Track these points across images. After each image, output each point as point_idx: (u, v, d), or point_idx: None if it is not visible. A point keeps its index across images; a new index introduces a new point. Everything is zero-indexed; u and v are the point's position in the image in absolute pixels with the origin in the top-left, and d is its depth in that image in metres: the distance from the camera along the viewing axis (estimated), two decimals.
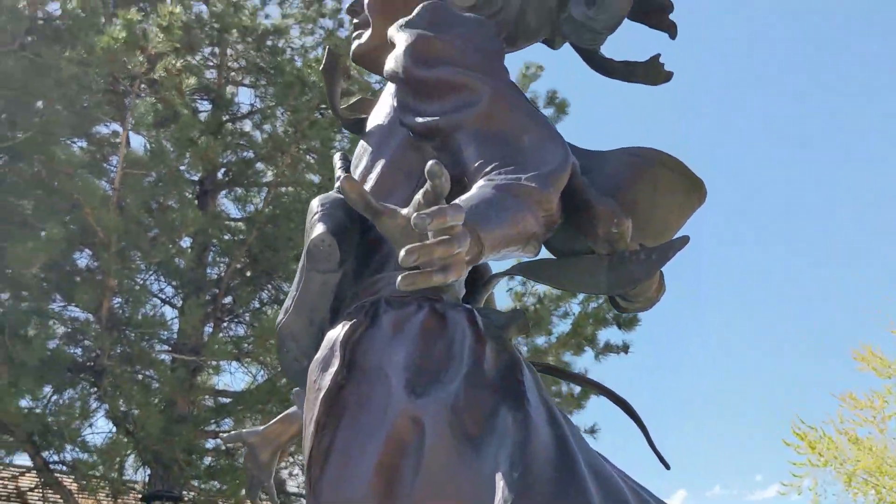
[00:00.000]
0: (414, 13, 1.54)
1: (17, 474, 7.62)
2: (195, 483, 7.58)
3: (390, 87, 1.63)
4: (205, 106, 8.74)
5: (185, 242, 8.05)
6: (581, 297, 8.91)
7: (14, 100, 5.91)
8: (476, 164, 1.38)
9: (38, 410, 6.82)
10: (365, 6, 1.79)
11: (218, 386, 8.22)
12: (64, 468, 7.11)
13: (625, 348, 8.97)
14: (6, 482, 7.73)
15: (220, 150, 7.68)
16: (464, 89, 1.43)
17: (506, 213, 1.28)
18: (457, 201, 1.25)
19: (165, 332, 7.53)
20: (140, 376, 7.30)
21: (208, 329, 7.96)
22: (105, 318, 6.77)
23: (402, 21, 1.53)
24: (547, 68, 9.26)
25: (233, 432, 2.12)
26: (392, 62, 1.51)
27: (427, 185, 1.17)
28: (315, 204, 1.54)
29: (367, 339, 1.42)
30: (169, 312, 8.04)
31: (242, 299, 8.14)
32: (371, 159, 1.62)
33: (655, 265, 1.45)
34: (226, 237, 8.07)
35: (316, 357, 1.47)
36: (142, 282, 7.59)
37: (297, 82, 7.62)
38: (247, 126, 8.76)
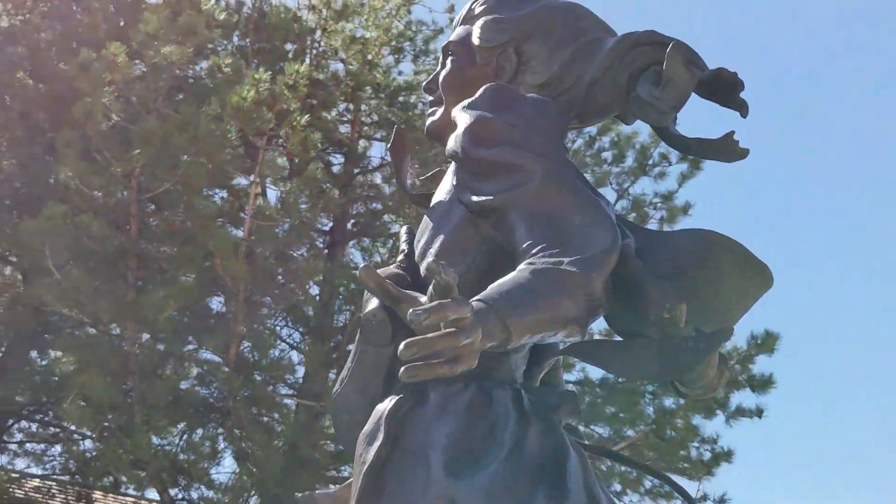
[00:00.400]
0: (477, 94, 1.60)
1: None
2: None
3: (452, 165, 1.69)
4: (338, 159, 9.11)
5: (314, 290, 8.34)
6: None
7: (156, 155, 6.34)
8: (525, 245, 1.40)
9: (168, 448, 7.17)
10: (439, 84, 1.86)
11: None
12: None
13: (758, 412, 8.51)
14: None
15: (348, 201, 7.95)
16: (517, 170, 1.46)
17: (541, 298, 1.30)
18: (494, 285, 1.30)
19: (290, 377, 7.78)
20: (264, 419, 7.55)
21: (332, 375, 8.15)
22: (233, 360, 7.07)
23: (465, 102, 1.60)
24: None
25: (307, 493, 2.17)
26: (452, 142, 1.57)
27: (434, 282, 1.19)
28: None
29: (412, 415, 1.47)
30: (295, 357, 8.32)
31: None
32: (431, 234, 1.66)
33: (701, 354, 1.43)
34: (352, 286, 8.29)
35: (364, 430, 1.52)
36: (271, 327, 7.89)
37: (427, 137, 7.80)
38: (377, 178, 9.03)
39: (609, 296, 1.38)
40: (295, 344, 8.53)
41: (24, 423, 8.25)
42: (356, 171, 8.79)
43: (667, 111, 1.60)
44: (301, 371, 7.99)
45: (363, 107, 9.24)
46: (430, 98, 1.93)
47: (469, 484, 1.33)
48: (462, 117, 1.57)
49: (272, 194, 7.99)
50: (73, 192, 6.29)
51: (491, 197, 1.47)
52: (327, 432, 8.19)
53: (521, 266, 1.36)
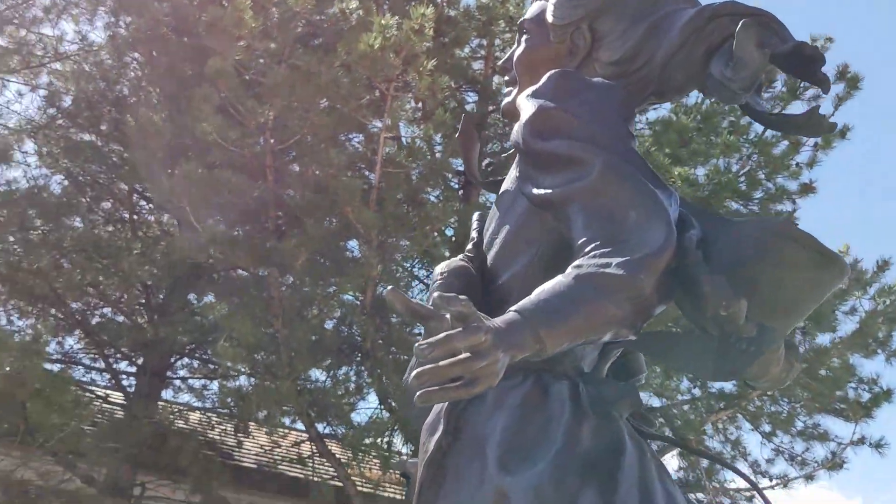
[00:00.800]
0: (541, 81, 1.58)
1: (298, 441, 8.45)
2: None
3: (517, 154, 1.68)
4: (472, 98, 9.00)
5: (450, 231, 8.39)
6: (871, 292, 8.02)
7: (287, 106, 6.48)
8: (580, 241, 1.40)
9: (313, 386, 7.51)
10: (513, 65, 1.85)
11: None
12: (335, 439, 7.76)
13: None
14: (290, 447, 8.60)
15: (482, 140, 7.86)
16: (577, 163, 1.45)
17: (579, 306, 1.30)
18: (535, 291, 1.31)
19: None
20: (402, 358, 7.75)
21: None
22: (369, 303, 7.25)
23: (530, 89, 1.58)
24: (837, 40, 8.35)
25: (400, 460, 2.27)
26: (515, 132, 1.58)
27: (454, 307, 1.20)
28: (437, 271, 1.67)
29: (471, 408, 1.49)
30: None
31: None
32: (498, 224, 1.68)
33: (752, 357, 1.40)
34: None
35: (427, 420, 1.58)
36: (407, 269, 8.03)
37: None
38: None
39: (666, 292, 1.36)
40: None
41: (185, 360, 8.86)
42: (490, 108, 8.67)
43: (738, 91, 1.53)
44: None
45: (496, 41, 9.06)
46: (506, 78, 1.90)
47: (519, 480, 1.34)
48: (525, 106, 1.55)
49: (404, 138, 8.05)
50: (211, 145, 6.54)
51: (550, 190, 1.46)
52: None
53: (568, 270, 1.35)
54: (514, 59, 1.84)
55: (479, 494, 1.40)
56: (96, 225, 8.16)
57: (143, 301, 8.50)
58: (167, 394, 8.68)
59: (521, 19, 1.89)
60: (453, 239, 8.30)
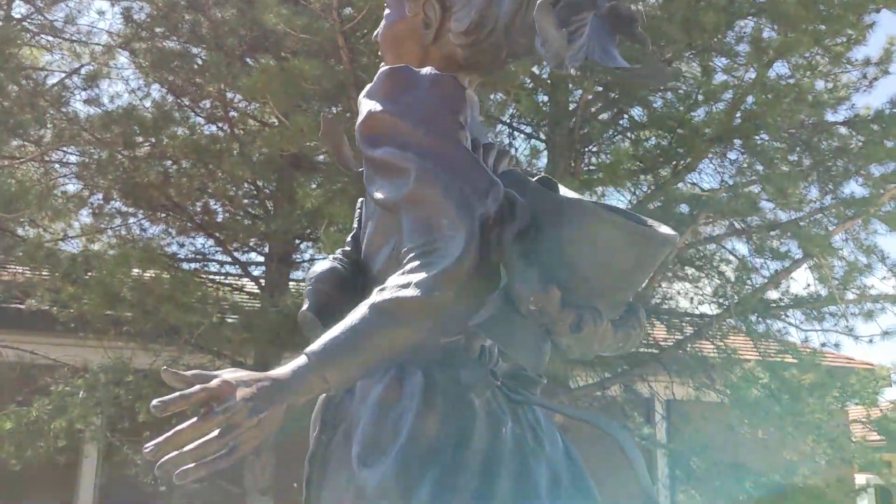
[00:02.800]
0: (374, 80, 1.59)
1: None
2: None
3: None
4: None
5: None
6: None
7: None
8: (403, 251, 1.46)
9: None
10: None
11: None
12: None
13: None
14: None
15: None
16: (397, 172, 1.48)
17: (372, 338, 1.38)
18: (335, 326, 1.40)
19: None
20: None
21: None
22: None
23: (366, 89, 1.60)
24: None
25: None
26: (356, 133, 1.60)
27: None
28: (308, 276, 1.74)
29: (343, 405, 1.57)
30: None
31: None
32: (366, 218, 1.75)
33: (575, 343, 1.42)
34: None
35: (313, 415, 1.66)
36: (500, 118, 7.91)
37: None
38: None
39: (483, 287, 1.41)
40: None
41: (308, 243, 9.20)
42: None
43: (554, 65, 1.53)
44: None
45: None
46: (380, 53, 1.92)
47: (371, 475, 1.42)
48: (361, 108, 1.57)
49: None
50: (281, 36, 6.53)
51: (384, 196, 1.50)
52: None
53: (370, 297, 1.42)
54: (377, 35, 1.85)
55: (347, 490, 1.48)
56: (195, 130, 8.40)
57: (256, 195, 8.82)
58: (299, 274, 9.08)
59: None
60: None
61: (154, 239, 8.72)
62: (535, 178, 1.60)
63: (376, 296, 1.41)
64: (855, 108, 8.39)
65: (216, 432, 1.25)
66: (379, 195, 1.51)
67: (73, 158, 8.97)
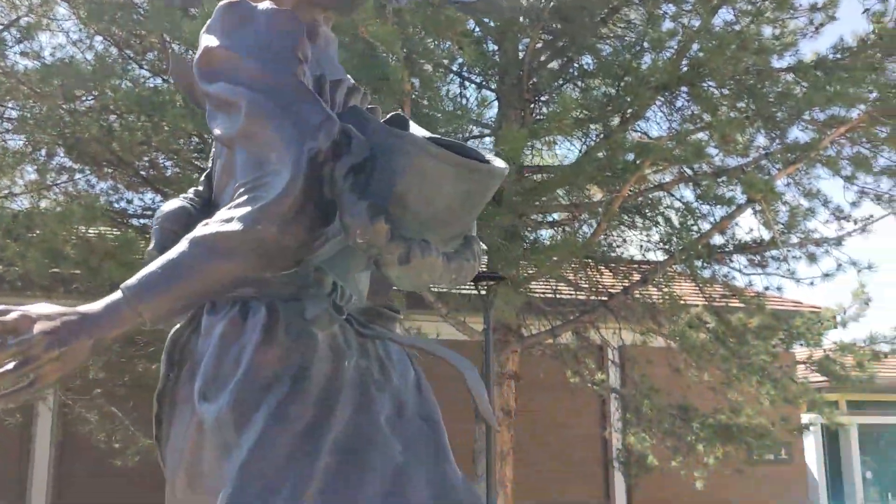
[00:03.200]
0: (213, 14, 1.56)
1: None
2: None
3: None
4: None
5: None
6: None
7: None
8: (235, 186, 1.46)
9: None
10: None
11: None
12: None
13: None
14: None
15: None
16: (231, 107, 1.47)
17: (190, 271, 1.40)
18: (154, 261, 1.42)
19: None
20: None
21: None
22: (409, 115, 7.23)
23: (207, 23, 1.57)
24: None
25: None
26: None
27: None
28: (155, 217, 1.75)
29: (189, 343, 1.57)
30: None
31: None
32: (215, 156, 1.73)
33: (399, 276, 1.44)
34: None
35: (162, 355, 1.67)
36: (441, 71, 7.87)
37: None
38: None
39: (313, 224, 1.43)
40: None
41: None
42: None
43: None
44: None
45: None
46: None
47: (209, 408, 1.43)
48: (199, 43, 1.54)
49: None
50: None
51: (220, 132, 1.49)
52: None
53: (189, 235, 1.44)
54: None
55: (190, 425, 1.49)
56: (138, 83, 8.24)
57: (202, 149, 8.70)
58: None
59: None
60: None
61: (98, 195, 8.59)
62: (388, 117, 1.59)
63: (198, 230, 1.42)
64: (801, 55, 8.45)
65: (10, 364, 1.28)
66: (217, 131, 1.50)
67: (13, 114, 8.78)
